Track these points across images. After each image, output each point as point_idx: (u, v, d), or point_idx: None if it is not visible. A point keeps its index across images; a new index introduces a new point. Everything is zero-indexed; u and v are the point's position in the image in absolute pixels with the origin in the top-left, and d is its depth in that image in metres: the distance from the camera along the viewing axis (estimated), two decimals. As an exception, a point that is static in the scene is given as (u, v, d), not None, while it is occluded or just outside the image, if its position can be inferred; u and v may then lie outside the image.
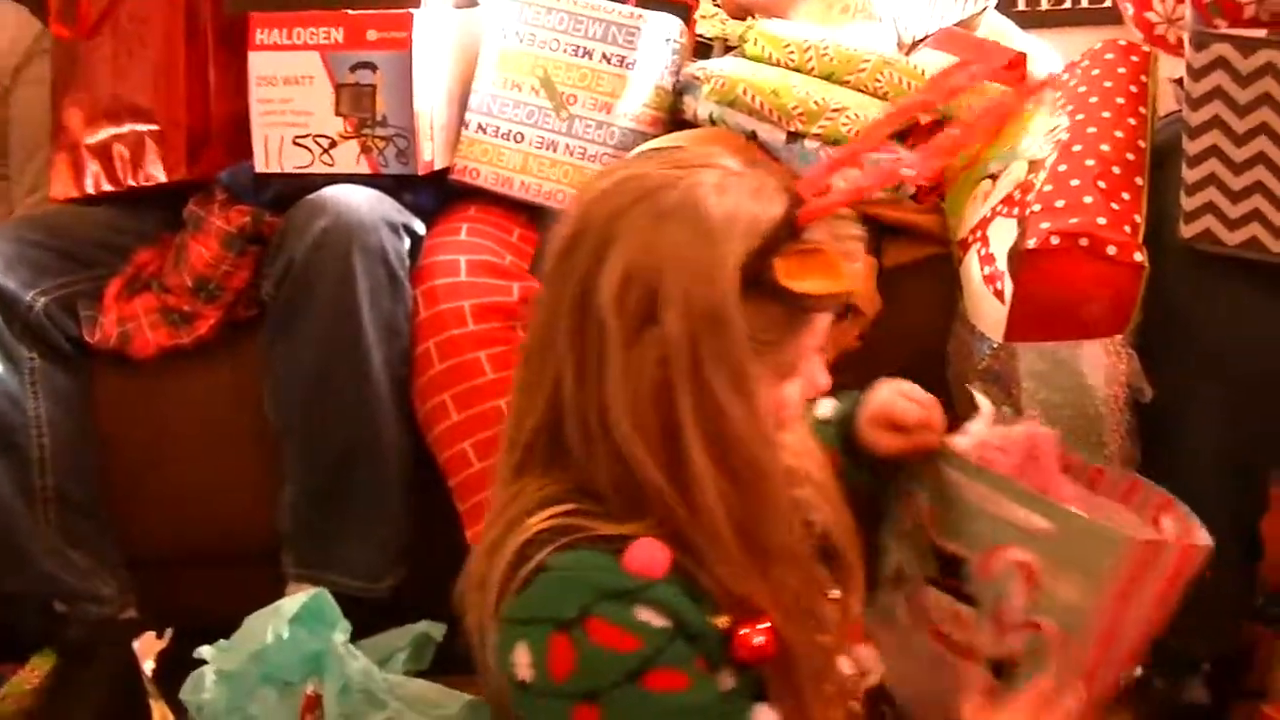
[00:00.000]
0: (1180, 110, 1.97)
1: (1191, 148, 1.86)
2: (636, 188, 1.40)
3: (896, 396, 1.61)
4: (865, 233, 1.48)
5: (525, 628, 1.34)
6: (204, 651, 1.87)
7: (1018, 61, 2.44)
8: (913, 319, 2.14)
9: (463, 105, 2.34)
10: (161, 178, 2.43)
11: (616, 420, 1.35)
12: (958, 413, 1.85)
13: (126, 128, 2.45)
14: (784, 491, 1.40)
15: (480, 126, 2.31)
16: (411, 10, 2.21)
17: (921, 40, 2.53)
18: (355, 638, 1.90)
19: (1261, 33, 1.88)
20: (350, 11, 2.23)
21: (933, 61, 2.37)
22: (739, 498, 1.35)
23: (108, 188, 2.48)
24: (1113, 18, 3.59)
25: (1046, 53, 2.63)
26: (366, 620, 2.00)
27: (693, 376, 1.34)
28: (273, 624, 1.84)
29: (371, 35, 2.22)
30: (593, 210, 1.40)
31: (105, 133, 2.47)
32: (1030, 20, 3.84)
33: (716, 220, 1.35)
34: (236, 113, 2.36)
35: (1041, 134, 2.09)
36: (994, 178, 2.09)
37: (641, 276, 1.35)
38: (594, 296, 1.36)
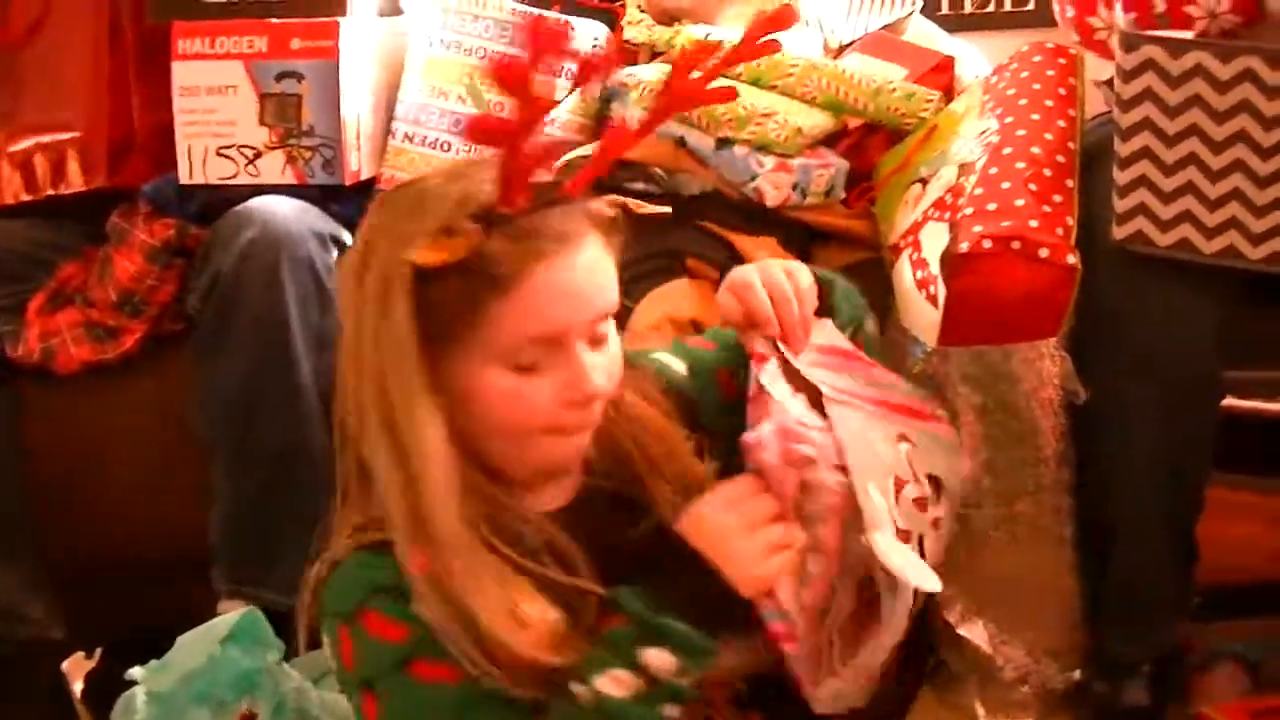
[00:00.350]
0: (1109, 112, 1.98)
1: (1123, 150, 1.86)
2: (405, 183, 1.50)
3: (729, 286, 1.56)
4: (615, 215, 1.46)
5: (323, 621, 1.41)
6: (135, 672, 1.84)
7: (945, 65, 2.46)
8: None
9: (389, 114, 2.33)
10: (81, 186, 2.42)
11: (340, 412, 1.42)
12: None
13: (49, 138, 2.43)
14: (442, 477, 1.38)
15: (407, 135, 2.30)
16: (337, 19, 2.20)
17: (849, 45, 2.54)
18: (288, 656, 1.88)
19: (1189, 34, 1.90)
20: (274, 20, 2.22)
21: (859, 66, 2.38)
22: (403, 482, 1.37)
23: (27, 198, 2.45)
24: (1036, 20, 3.61)
25: (973, 56, 2.65)
26: (298, 637, 1.99)
27: (361, 353, 1.38)
28: (205, 644, 1.82)
29: (296, 44, 2.20)
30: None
31: (27, 142, 2.44)
32: (954, 23, 3.85)
33: (429, 196, 1.38)
34: (160, 123, 2.34)
35: (971, 137, 2.10)
36: (924, 182, 2.10)
37: (354, 258, 1.41)
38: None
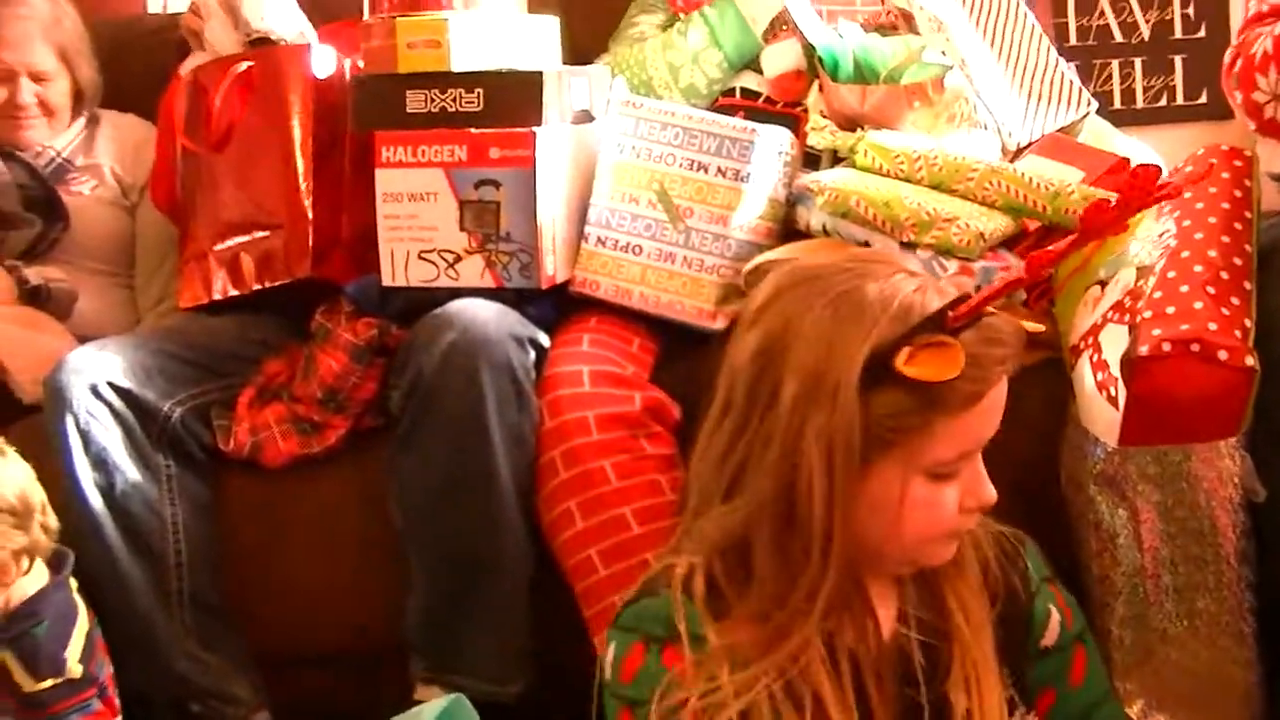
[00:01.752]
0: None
1: (1301, 251, 1.90)
2: (806, 273, 1.50)
3: None
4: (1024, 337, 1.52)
5: (621, 633, 1.50)
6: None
7: (1120, 166, 2.49)
8: (1025, 423, 2.17)
9: (581, 218, 2.39)
10: (286, 277, 2.51)
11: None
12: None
13: (252, 235, 2.54)
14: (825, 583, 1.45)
15: (599, 239, 2.36)
16: (533, 129, 2.28)
17: (1026, 147, 2.58)
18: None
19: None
20: (474, 130, 2.30)
21: (1038, 168, 2.42)
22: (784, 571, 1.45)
23: (234, 292, 2.55)
24: (1209, 114, 3.64)
25: (1147, 155, 2.67)
26: (495, 725, 2.05)
27: (792, 446, 1.43)
28: (416, 726, 1.89)
29: (494, 153, 2.28)
30: (761, 292, 1.51)
31: (233, 241, 2.55)
32: (1127, 118, 3.89)
33: (869, 302, 1.42)
34: (361, 223, 2.44)
35: (1149, 240, 2.13)
36: (1103, 284, 2.13)
37: (774, 348, 1.46)
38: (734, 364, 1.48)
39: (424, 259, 2.32)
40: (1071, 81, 2.67)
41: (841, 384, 1.40)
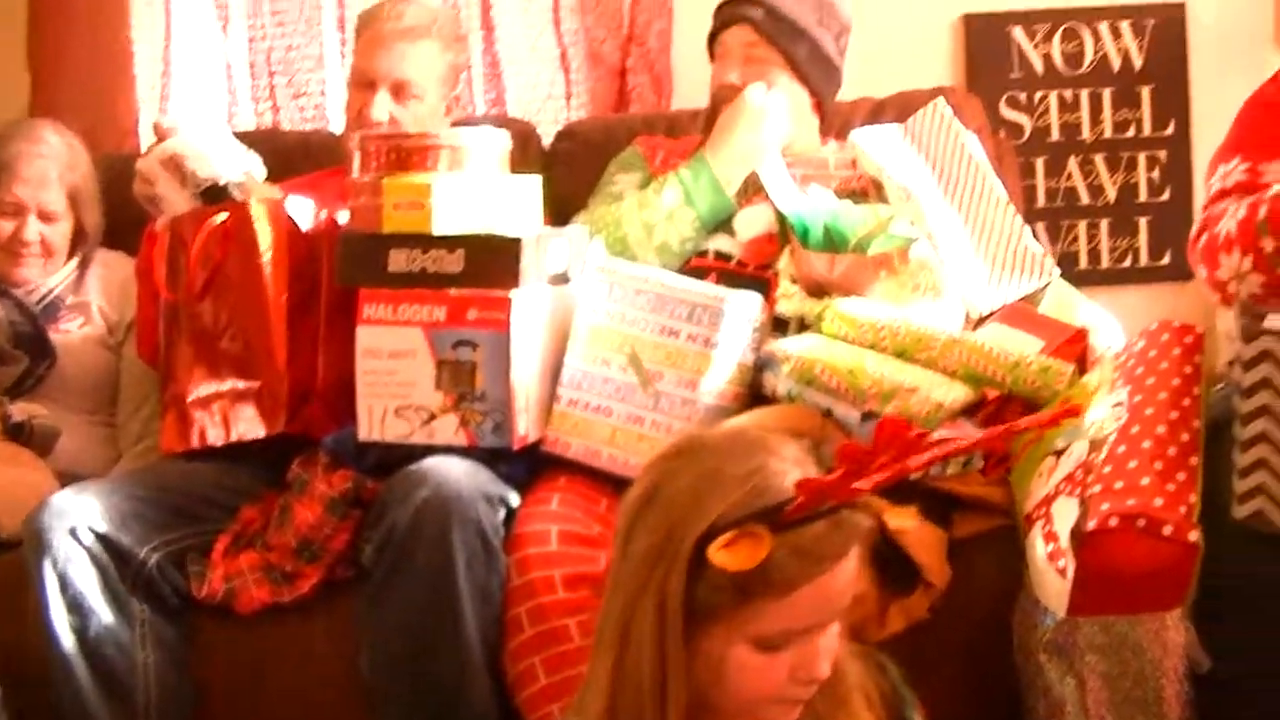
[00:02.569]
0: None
1: (1243, 434, 1.97)
2: (694, 443, 1.62)
3: None
4: (873, 525, 1.60)
5: None
6: None
7: (1079, 337, 2.56)
8: (980, 588, 2.24)
9: (555, 378, 2.43)
10: (261, 432, 2.56)
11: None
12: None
13: (229, 384, 2.58)
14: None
15: (571, 401, 2.41)
16: (510, 293, 2.34)
17: (989, 315, 2.65)
18: None
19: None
20: (453, 291, 2.36)
21: (999, 337, 2.49)
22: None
23: (212, 441, 2.59)
24: (1173, 274, 3.72)
25: (1108, 324, 2.74)
26: None
27: (633, 599, 1.52)
28: None
29: (472, 315, 2.34)
30: (658, 453, 1.63)
31: (210, 388, 2.59)
32: (1093, 278, 3.98)
33: (727, 482, 1.52)
34: (339, 377, 2.49)
35: (1101, 414, 2.20)
36: (1058, 454, 2.19)
37: (640, 507, 1.56)
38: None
39: (400, 415, 2.37)
40: (1034, 250, 2.73)
41: (680, 551, 1.49)
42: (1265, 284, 2.28)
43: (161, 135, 2.72)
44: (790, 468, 1.55)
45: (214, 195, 2.64)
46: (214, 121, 2.78)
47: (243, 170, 2.68)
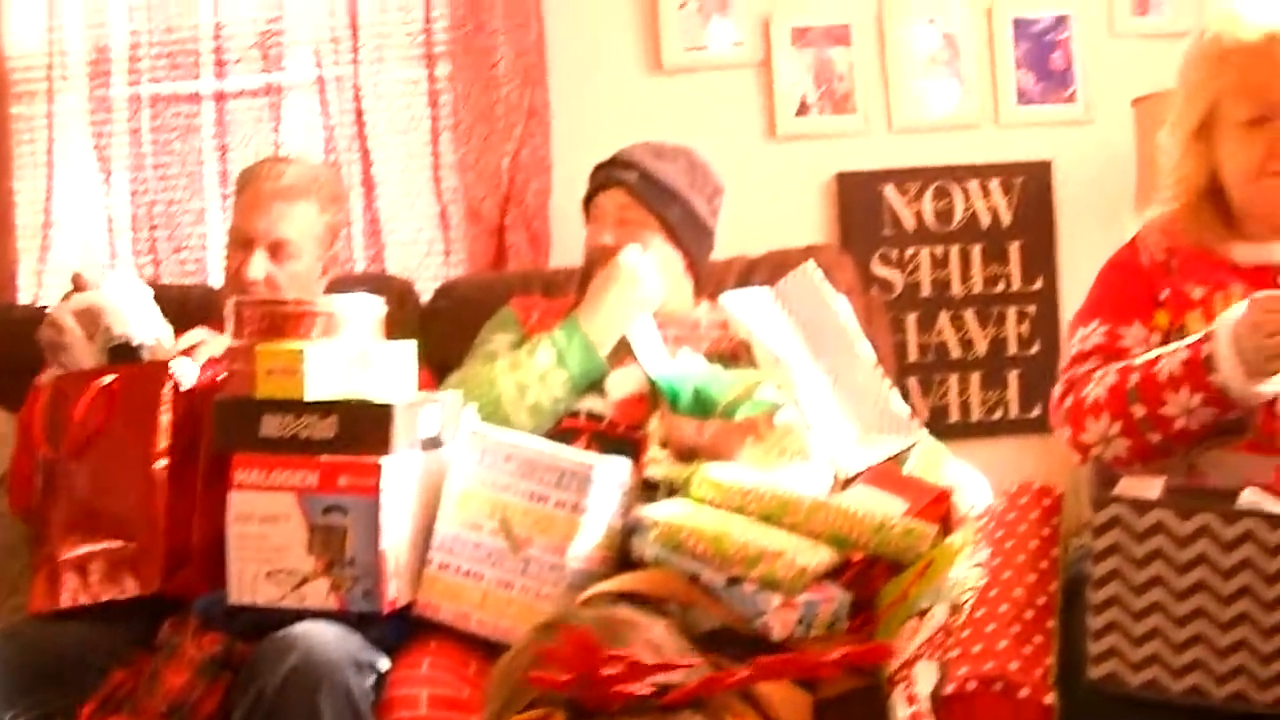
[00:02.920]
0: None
1: (1095, 597, 2.02)
2: (557, 615, 1.73)
3: None
4: None
5: None
6: None
7: (943, 497, 2.61)
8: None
9: (426, 542, 2.44)
10: (135, 592, 2.56)
11: None
12: None
13: (104, 545, 2.58)
14: None
15: (442, 564, 2.42)
16: (381, 460, 2.37)
17: (856, 477, 2.70)
18: None
19: (1154, 493, 2.08)
20: (325, 458, 2.39)
21: (865, 499, 2.54)
22: None
23: (83, 601, 2.58)
24: (1041, 427, 3.80)
25: (973, 482, 2.79)
26: None
27: None
28: None
29: (343, 481, 2.36)
30: None
31: (84, 548, 2.59)
32: (963, 431, 4.07)
33: (516, 668, 1.58)
34: (214, 540, 2.47)
35: (964, 575, 2.25)
36: (921, 614, 2.24)
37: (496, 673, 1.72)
38: None
39: (271, 579, 2.38)
40: (900, 411, 2.79)
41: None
42: (1131, 448, 2.37)
43: (80, 286, 2.75)
44: (641, 651, 1.58)
45: (122, 354, 2.66)
46: (136, 283, 2.78)
47: (155, 335, 2.71)
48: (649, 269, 2.96)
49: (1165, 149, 2.62)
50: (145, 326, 2.71)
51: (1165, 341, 2.43)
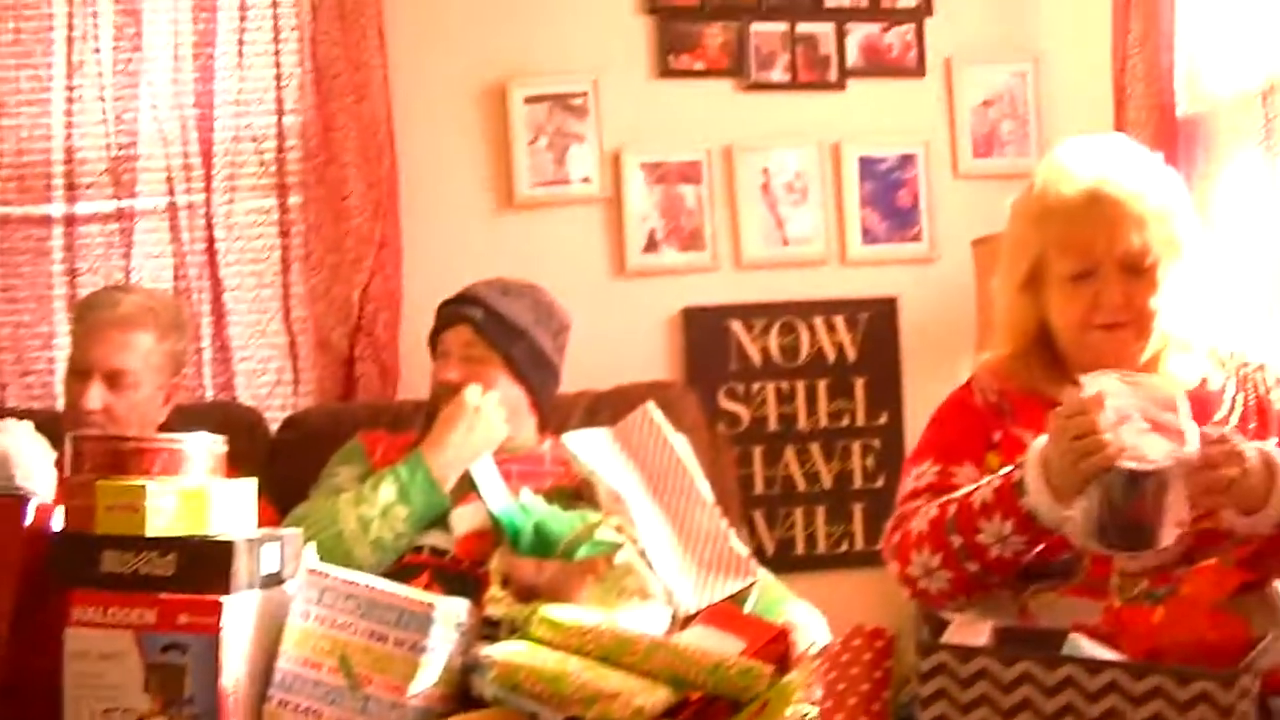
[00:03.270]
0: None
1: (922, 742, 2.07)
2: None
3: None
4: None
5: None
6: None
7: (781, 636, 2.65)
8: None
9: (266, 679, 2.41)
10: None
11: None
12: None
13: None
14: None
15: (281, 701, 2.39)
16: (221, 597, 2.36)
17: (694, 616, 2.73)
18: None
19: (980, 639, 2.14)
20: (164, 595, 2.37)
21: (702, 639, 2.57)
22: None
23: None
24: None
25: (811, 620, 2.85)
26: None
27: None
28: None
29: (183, 619, 2.33)
30: None
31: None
32: (809, 564, 4.13)
33: None
34: (49, 670, 2.46)
35: (799, 716, 2.28)
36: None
37: None
38: None
39: (108, 718, 2.36)
40: (739, 551, 2.84)
41: None
42: (953, 580, 2.43)
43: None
44: None
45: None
46: (33, 435, 2.76)
47: (39, 488, 2.69)
48: (492, 407, 3.00)
49: (996, 295, 2.72)
50: (32, 477, 2.69)
51: None
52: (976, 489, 2.41)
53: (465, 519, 2.86)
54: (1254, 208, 3.45)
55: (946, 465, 2.59)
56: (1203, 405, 2.46)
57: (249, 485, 2.59)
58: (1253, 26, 3.35)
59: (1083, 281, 2.50)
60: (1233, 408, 2.56)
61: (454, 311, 3.17)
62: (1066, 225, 2.51)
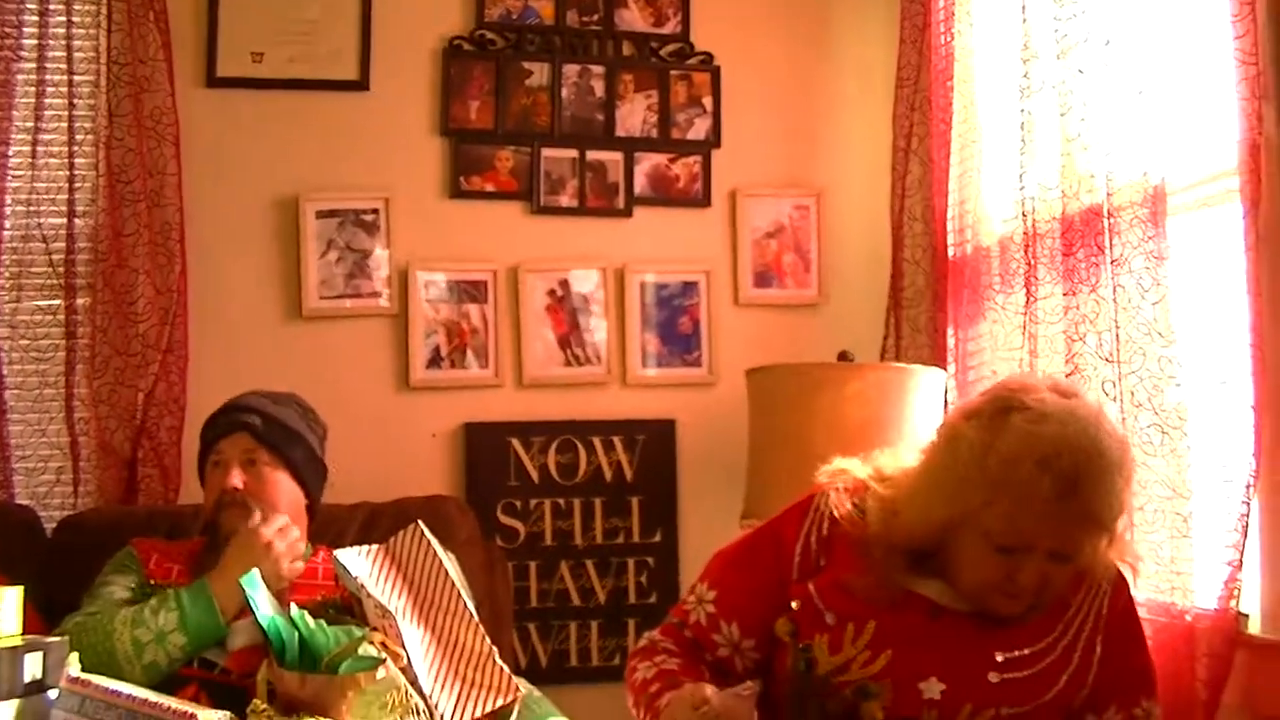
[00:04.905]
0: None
1: None
2: None
3: None
4: None
5: None
6: None
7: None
8: None
9: None
10: None
11: None
12: None
13: None
14: None
15: None
16: (-16, 704, 2.38)
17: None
18: None
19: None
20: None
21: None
22: None
23: None
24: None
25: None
26: None
27: None
28: None
29: None
30: None
31: None
32: (583, 675, 4.19)
33: None
34: None
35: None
36: None
37: None
38: None
39: None
40: (502, 669, 2.90)
41: None
42: None
43: None
44: None
45: None
46: None
47: None
48: (285, 539, 3.05)
49: (913, 480, 2.52)
50: None
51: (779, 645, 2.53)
52: (663, 693, 2.47)
53: (242, 633, 2.89)
54: (1009, 348, 3.61)
55: (718, 614, 2.62)
56: None
57: (13, 593, 2.60)
58: (1013, 178, 3.52)
59: (1006, 554, 2.38)
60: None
61: (231, 420, 3.22)
62: (1021, 510, 2.33)
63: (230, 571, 2.97)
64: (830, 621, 2.47)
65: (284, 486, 3.22)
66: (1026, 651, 2.45)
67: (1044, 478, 2.29)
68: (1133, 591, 2.58)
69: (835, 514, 2.57)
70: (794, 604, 2.51)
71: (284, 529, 3.09)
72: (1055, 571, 2.39)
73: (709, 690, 2.31)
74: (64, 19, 4.10)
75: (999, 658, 2.43)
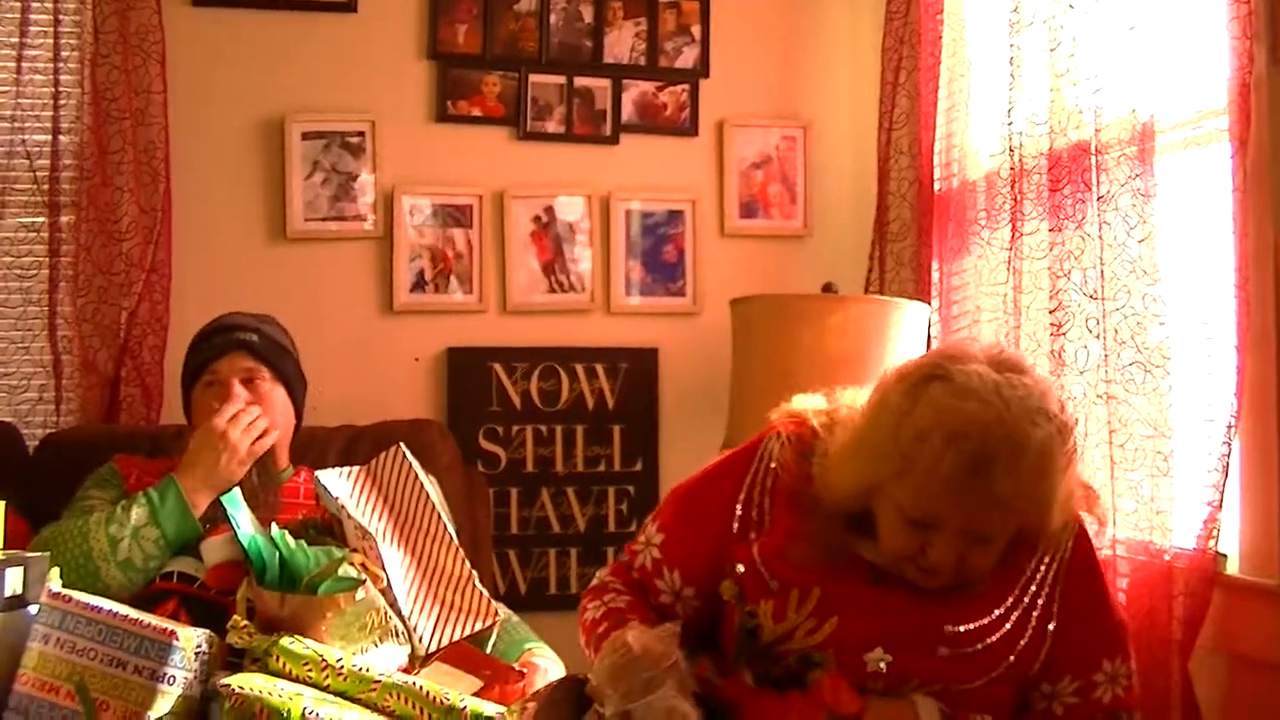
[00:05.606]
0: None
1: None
2: None
3: None
4: None
5: None
6: None
7: (517, 678, 2.74)
8: None
9: (4, 703, 2.44)
10: None
11: None
12: None
13: None
14: None
15: None
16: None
17: (433, 655, 2.80)
18: None
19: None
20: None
21: (440, 677, 2.64)
22: None
23: None
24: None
25: (553, 665, 2.93)
26: None
27: None
28: None
29: None
30: None
31: None
32: (562, 603, 4.20)
33: None
34: None
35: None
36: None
37: None
38: None
39: None
40: (481, 593, 2.91)
41: None
42: None
43: None
44: None
45: None
46: None
47: None
48: (240, 430, 3.06)
49: (843, 439, 2.43)
50: None
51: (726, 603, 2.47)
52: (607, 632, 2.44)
53: (217, 549, 2.88)
54: (994, 284, 3.61)
55: (662, 559, 2.56)
56: None
57: (-6, 507, 2.61)
58: (1001, 113, 3.51)
59: (918, 527, 2.30)
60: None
61: (228, 339, 3.23)
62: (926, 484, 2.25)
63: (192, 465, 3.01)
64: (774, 588, 2.39)
65: (281, 403, 3.24)
66: (973, 626, 2.35)
67: (947, 454, 2.20)
68: (1095, 542, 2.51)
69: (775, 465, 2.50)
70: (739, 567, 2.44)
71: (236, 416, 3.11)
72: (974, 552, 2.30)
73: (631, 635, 2.30)
74: (49, -67, 4.07)
75: (947, 629, 2.34)
